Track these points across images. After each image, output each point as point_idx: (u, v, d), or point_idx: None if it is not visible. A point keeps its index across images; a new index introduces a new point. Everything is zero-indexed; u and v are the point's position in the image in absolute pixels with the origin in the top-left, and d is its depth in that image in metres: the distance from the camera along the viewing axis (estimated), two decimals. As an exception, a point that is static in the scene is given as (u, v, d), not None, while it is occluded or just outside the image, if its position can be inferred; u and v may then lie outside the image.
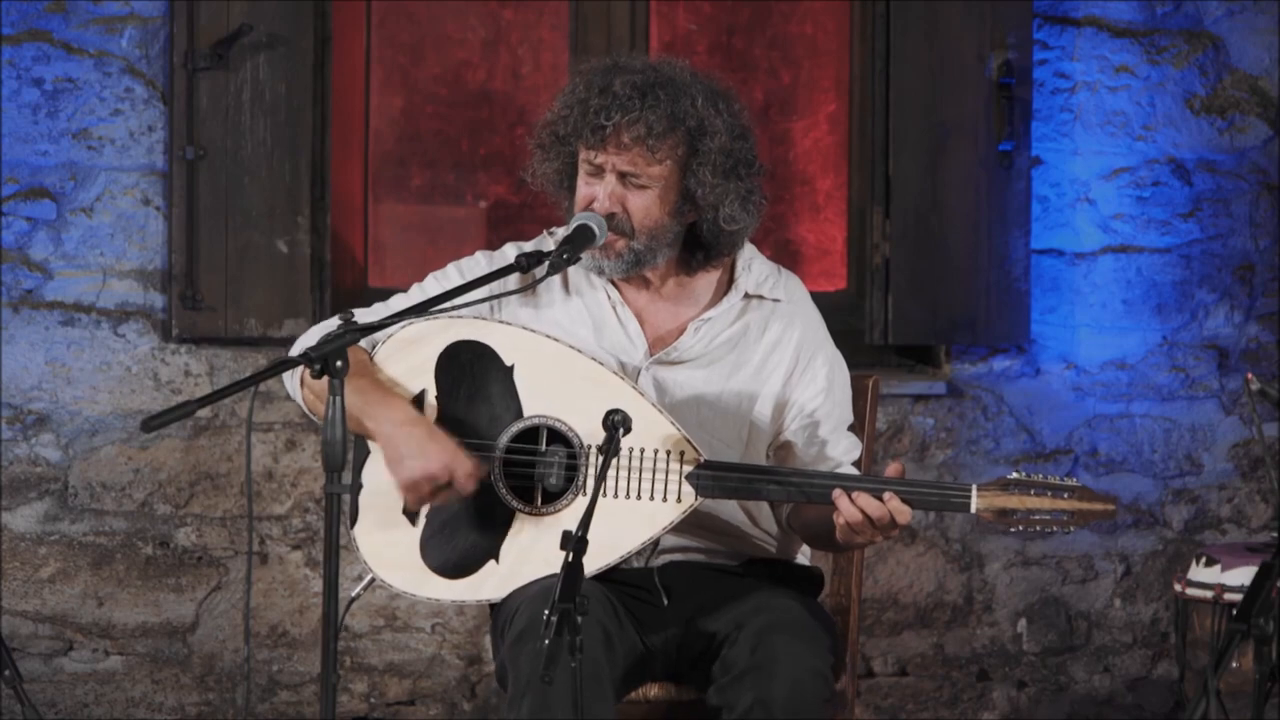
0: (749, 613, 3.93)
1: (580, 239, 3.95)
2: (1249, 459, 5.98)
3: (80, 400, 5.65)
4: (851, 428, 4.18)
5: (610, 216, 3.97)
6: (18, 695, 4.81)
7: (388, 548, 4.00)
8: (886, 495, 3.81)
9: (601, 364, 3.97)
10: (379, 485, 4.00)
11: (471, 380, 3.99)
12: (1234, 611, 4.33)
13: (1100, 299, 5.91)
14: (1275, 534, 5.20)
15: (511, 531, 3.96)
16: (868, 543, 3.90)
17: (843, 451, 4.11)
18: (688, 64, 4.05)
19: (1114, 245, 5.92)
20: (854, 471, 4.11)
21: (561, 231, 4.12)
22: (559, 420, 3.96)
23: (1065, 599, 5.95)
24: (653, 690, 4.06)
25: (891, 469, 3.86)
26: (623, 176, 3.97)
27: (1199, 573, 5.11)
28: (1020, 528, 3.81)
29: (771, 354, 4.10)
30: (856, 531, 3.84)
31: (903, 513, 3.82)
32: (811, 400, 4.10)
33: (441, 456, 3.89)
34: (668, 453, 3.93)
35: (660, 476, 3.93)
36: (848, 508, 3.82)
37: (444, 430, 3.94)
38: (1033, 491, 3.81)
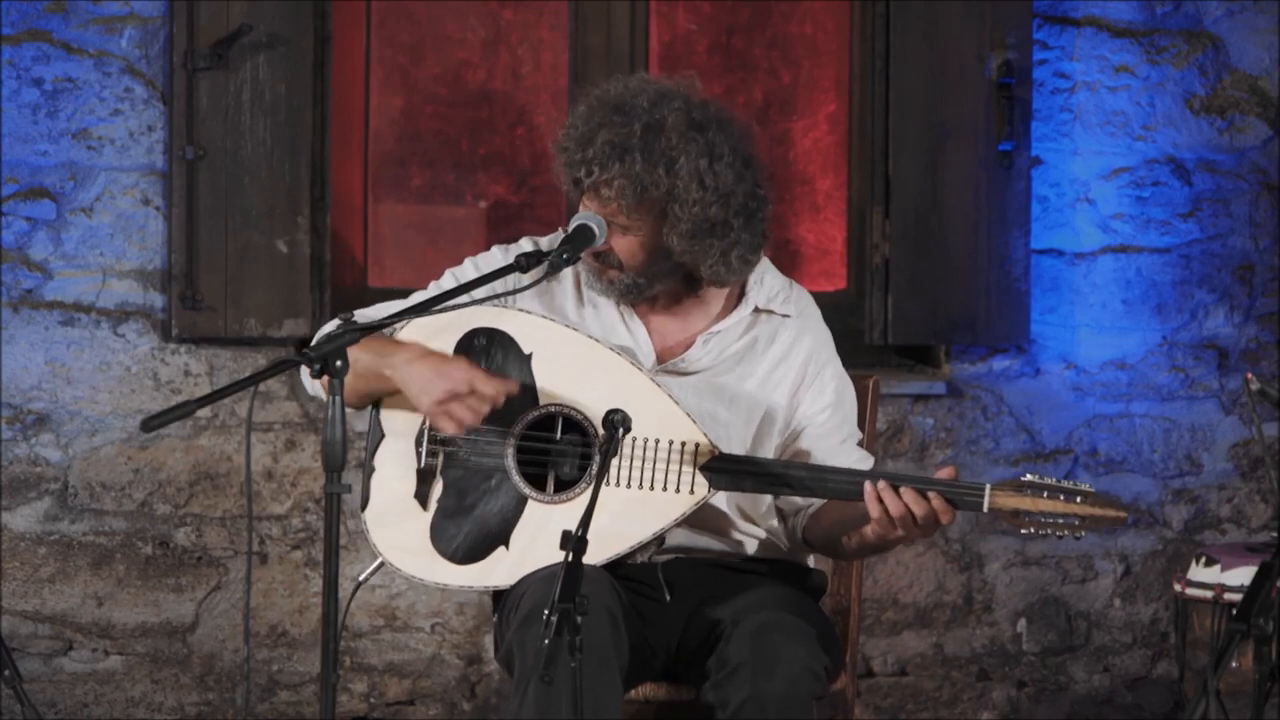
0: (746, 609, 3.94)
1: (580, 239, 3.97)
2: (1249, 459, 5.98)
3: (80, 400, 5.65)
4: (861, 443, 4.19)
5: (598, 254, 4.01)
6: (18, 695, 4.81)
7: (397, 532, 4.01)
8: (931, 494, 3.82)
9: (619, 353, 3.99)
10: (391, 470, 4.02)
11: (489, 367, 4.00)
12: (1234, 611, 4.33)
13: (1100, 299, 5.91)
14: (1275, 534, 5.20)
15: (523, 519, 3.97)
16: (900, 542, 3.89)
17: (854, 463, 4.11)
18: (696, 105, 4.01)
19: (1114, 245, 5.92)
20: None
21: None
22: (575, 409, 3.97)
23: (1065, 599, 5.95)
24: (650, 689, 4.06)
25: (942, 472, 3.86)
26: (607, 220, 4.00)
27: (1199, 573, 5.11)
28: (1031, 529, 3.81)
29: (779, 365, 4.12)
30: (896, 526, 3.83)
31: (946, 511, 3.82)
32: (820, 412, 4.11)
33: (458, 373, 3.90)
34: (682, 444, 3.95)
35: (674, 468, 3.95)
36: (893, 501, 3.82)
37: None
38: (1045, 494, 3.81)
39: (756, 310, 4.13)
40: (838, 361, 4.17)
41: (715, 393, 4.08)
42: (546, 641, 3.50)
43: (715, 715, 3.86)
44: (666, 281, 4.07)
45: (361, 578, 4.11)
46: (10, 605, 5.65)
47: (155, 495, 5.68)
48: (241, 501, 5.69)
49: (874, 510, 3.84)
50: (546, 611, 3.52)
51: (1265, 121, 5.95)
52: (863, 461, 4.12)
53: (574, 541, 3.57)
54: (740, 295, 4.14)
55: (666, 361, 4.09)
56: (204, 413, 5.65)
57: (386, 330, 4.01)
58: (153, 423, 3.51)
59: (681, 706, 4.06)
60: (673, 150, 3.97)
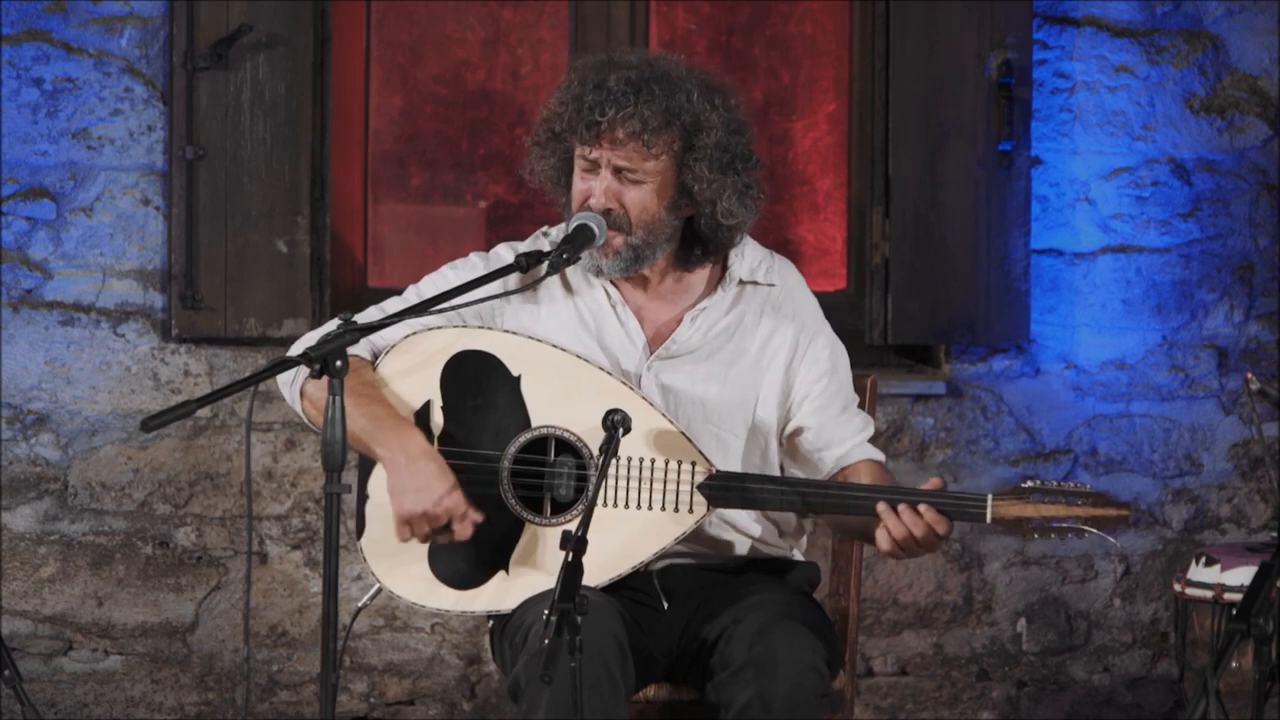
0: (746, 609, 3.94)
1: (580, 238, 3.95)
2: (1249, 459, 5.98)
3: (80, 400, 5.65)
4: (860, 405, 4.18)
5: (607, 213, 3.97)
6: (18, 695, 4.81)
7: (395, 559, 3.99)
8: (922, 507, 3.81)
9: (609, 373, 3.97)
10: (385, 496, 3.99)
11: (478, 391, 3.98)
12: (1234, 611, 4.33)
13: (1100, 299, 5.91)
14: (1275, 534, 5.20)
15: (521, 542, 3.95)
16: (903, 557, 3.89)
17: (856, 430, 4.11)
18: (683, 59, 4.05)
19: (1113, 245, 5.92)
20: (871, 450, 4.12)
21: (555, 231, 4.13)
22: (567, 430, 3.95)
23: (1065, 599, 5.95)
24: (651, 690, 4.06)
25: (930, 483, 3.86)
26: (618, 172, 3.97)
27: (1199, 572, 5.12)
28: (1036, 535, 3.82)
29: (770, 340, 4.10)
30: (904, 548, 3.84)
31: (940, 522, 3.82)
32: (817, 382, 4.10)
33: (445, 500, 3.90)
34: (679, 463, 3.93)
35: (671, 487, 3.93)
36: (895, 525, 3.82)
37: (449, 450, 3.95)
38: (1048, 499, 3.81)
39: (741, 283, 4.11)
40: (827, 327, 4.16)
41: (709, 373, 4.06)
42: (546, 641, 3.49)
43: (720, 715, 3.86)
44: (666, 248, 4.03)
45: (360, 604, 4.11)
46: (10, 605, 5.65)
47: (155, 495, 5.68)
48: (241, 501, 5.68)
49: (884, 545, 3.84)
50: (546, 611, 3.51)
51: (1265, 121, 5.95)
52: (864, 429, 4.12)
53: (574, 541, 3.56)
54: (724, 271, 4.13)
55: (658, 347, 4.07)
56: (204, 413, 5.65)
57: (369, 352, 4.01)
58: (153, 423, 3.50)
59: (683, 706, 4.06)
60: (685, 83, 3.98)
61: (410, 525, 3.91)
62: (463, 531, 3.91)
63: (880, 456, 4.13)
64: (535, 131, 4.08)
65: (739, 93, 4.07)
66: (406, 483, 3.90)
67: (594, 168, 3.99)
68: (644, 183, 3.97)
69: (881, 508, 3.82)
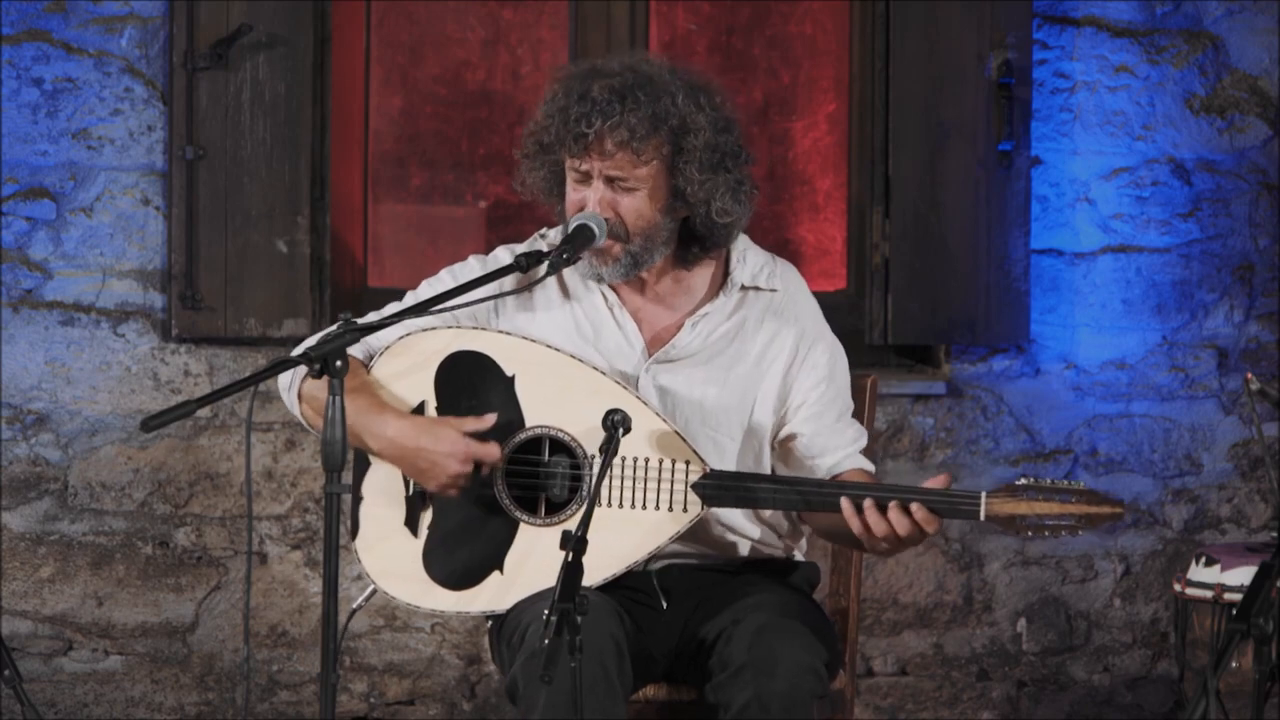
0: (745, 609, 3.94)
1: (580, 239, 3.95)
2: (1249, 459, 5.98)
3: (80, 400, 5.65)
4: (855, 413, 4.18)
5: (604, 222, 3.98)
6: (18, 695, 4.81)
7: (390, 559, 4.00)
8: (913, 506, 3.81)
9: (604, 373, 3.97)
10: (379, 497, 4.00)
11: (472, 391, 3.98)
12: (1234, 611, 4.33)
13: (1100, 299, 5.91)
14: (1275, 534, 5.20)
15: (515, 542, 3.96)
16: (893, 552, 3.89)
17: (849, 440, 4.10)
18: (666, 61, 4.04)
19: (1113, 245, 5.92)
20: (863, 460, 4.11)
21: (553, 233, 4.13)
22: (561, 431, 3.95)
23: (1065, 599, 5.95)
24: (650, 690, 4.06)
25: (935, 481, 3.85)
26: (610, 181, 3.96)
27: (1199, 572, 5.12)
28: (1030, 533, 3.82)
29: (770, 345, 4.10)
30: (884, 542, 3.84)
31: (930, 522, 3.81)
32: (814, 389, 4.09)
33: (455, 453, 3.90)
34: (673, 461, 3.93)
35: (666, 486, 3.93)
36: (877, 521, 3.82)
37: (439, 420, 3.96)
38: (1041, 496, 3.81)
39: (743, 288, 4.11)
40: (829, 333, 4.16)
41: (707, 376, 4.06)
42: (546, 641, 3.49)
43: (719, 715, 3.86)
44: (664, 251, 4.03)
45: (355, 605, 4.11)
46: (10, 605, 5.65)
47: (155, 495, 5.68)
48: (241, 501, 5.68)
49: (855, 526, 3.83)
50: (546, 611, 3.51)
51: (1265, 121, 5.95)
52: (857, 440, 4.12)
53: (574, 541, 3.56)
54: (724, 276, 4.13)
55: (656, 351, 4.07)
56: (204, 413, 5.65)
57: (364, 355, 4.01)
58: (153, 423, 3.51)
59: (682, 707, 4.06)
60: (669, 86, 3.97)
61: (454, 488, 3.93)
62: (490, 453, 3.91)
63: (871, 468, 4.13)
64: (523, 144, 4.07)
65: (727, 90, 4.07)
66: (417, 464, 3.92)
67: (586, 179, 3.99)
68: (637, 189, 3.97)
69: (867, 504, 3.81)
